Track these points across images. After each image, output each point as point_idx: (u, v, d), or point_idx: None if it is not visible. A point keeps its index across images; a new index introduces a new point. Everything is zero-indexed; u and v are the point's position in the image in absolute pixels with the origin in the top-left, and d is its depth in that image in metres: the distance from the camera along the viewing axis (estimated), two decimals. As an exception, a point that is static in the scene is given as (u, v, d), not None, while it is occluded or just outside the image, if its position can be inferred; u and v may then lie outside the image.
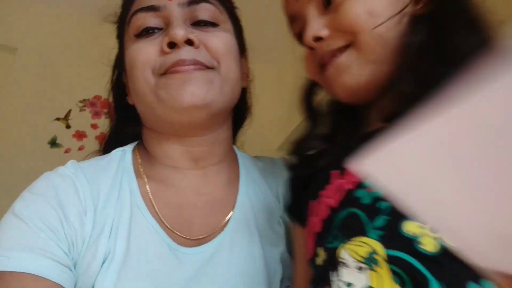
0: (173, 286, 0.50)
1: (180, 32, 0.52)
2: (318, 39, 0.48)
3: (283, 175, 0.65)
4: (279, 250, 0.58)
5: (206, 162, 0.60)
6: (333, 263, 0.43)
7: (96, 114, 2.07)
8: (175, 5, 0.56)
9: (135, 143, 0.64)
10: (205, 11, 0.57)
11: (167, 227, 0.54)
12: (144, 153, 0.62)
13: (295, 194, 0.57)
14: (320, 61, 0.50)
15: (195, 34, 0.55)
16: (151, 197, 0.56)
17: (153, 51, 0.55)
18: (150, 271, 0.50)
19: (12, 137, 1.90)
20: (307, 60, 0.52)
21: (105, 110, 2.18)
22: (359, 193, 0.44)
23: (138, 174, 0.58)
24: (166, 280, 0.50)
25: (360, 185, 0.44)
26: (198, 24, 0.57)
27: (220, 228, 0.56)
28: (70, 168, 0.55)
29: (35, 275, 0.45)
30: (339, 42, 0.47)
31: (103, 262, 0.49)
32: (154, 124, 0.59)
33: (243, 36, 0.67)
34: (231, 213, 0.58)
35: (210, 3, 0.58)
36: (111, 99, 0.68)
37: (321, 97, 0.56)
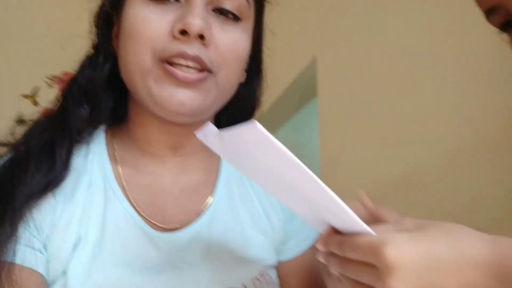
0: (150, 271, 0.50)
1: (196, 24, 0.47)
2: None
3: None
4: (266, 237, 0.59)
5: (185, 150, 0.58)
6: None
7: (65, 91, 2.00)
8: None
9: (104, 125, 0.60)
10: (233, 0, 0.51)
11: (140, 213, 0.53)
12: (120, 135, 0.59)
13: None
14: None
15: (210, 31, 0.49)
16: (123, 181, 0.54)
17: (162, 31, 0.48)
18: (126, 256, 0.49)
19: (-25, 114, 1.82)
20: None
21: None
22: None
23: (111, 157, 0.56)
24: (142, 265, 0.50)
25: None
26: (220, 12, 0.51)
27: (198, 215, 0.56)
28: None
29: (3, 261, 0.44)
30: None
31: (74, 248, 0.48)
32: (135, 100, 0.55)
33: (262, 38, 0.62)
34: (209, 199, 0.58)
35: None
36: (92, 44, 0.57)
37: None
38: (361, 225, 0.34)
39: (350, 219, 0.35)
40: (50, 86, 1.94)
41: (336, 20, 1.58)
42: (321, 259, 0.40)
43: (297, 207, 0.42)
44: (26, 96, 1.85)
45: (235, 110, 0.63)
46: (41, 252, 0.47)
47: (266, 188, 0.43)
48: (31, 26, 2.24)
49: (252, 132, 0.32)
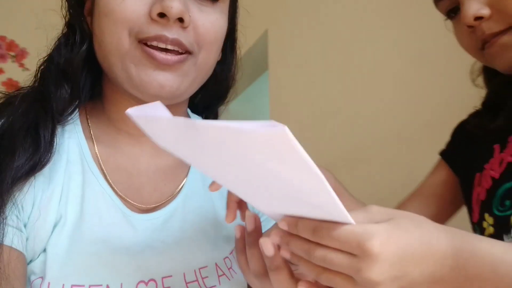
0: (127, 251, 0.50)
1: (176, 7, 0.46)
2: (478, 18, 0.50)
3: None
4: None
5: None
6: (506, 228, 0.51)
7: (1, 57, 1.87)
8: None
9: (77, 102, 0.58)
10: None
11: (118, 193, 0.53)
12: (95, 113, 0.57)
13: (456, 143, 0.68)
14: (482, 39, 0.52)
15: (189, 13, 0.49)
16: (100, 161, 0.54)
17: (139, 11, 0.47)
18: (104, 236, 0.50)
19: None
20: (464, 36, 0.55)
21: (12, 53, 1.98)
22: None
23: (87, 135, 0.55)
24: (120, 245, 0.50)
25: None
26: None
27: (174, 195, 0.57)
28: None
29: None
30: (500, 26, 0.50)
31: (54, 227, 0.48)
32: (111, 80, 0.54)
33: (236, 17, 0.63)
34: (184, 180, 0.58)
35: None
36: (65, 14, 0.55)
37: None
38: (345, 216, 0.33)
39: (337, 210, 0.33)
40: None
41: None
42: (268, 246, 0.38)
43: (257, 201, 0.39)
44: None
45: (211, 89, 0.63)
46: (22, 232, 0.47)
47: (217, 180, 0.40)
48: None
49: (279, 138, 0.26)
